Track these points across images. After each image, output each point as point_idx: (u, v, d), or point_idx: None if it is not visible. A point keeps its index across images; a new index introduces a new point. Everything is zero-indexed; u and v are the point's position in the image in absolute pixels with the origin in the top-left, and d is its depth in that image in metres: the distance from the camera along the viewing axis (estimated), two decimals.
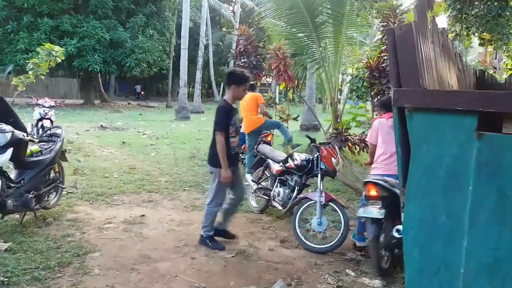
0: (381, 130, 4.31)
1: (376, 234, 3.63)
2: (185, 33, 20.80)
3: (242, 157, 7.31)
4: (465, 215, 1.46)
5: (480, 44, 10.56)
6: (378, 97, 7.64)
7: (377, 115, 8.11)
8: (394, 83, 1.64)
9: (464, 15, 8.03)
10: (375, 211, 3.59)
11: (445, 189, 1.52)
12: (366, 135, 8.44)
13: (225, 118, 4.21)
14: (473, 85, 3.66)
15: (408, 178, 1.61)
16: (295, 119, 9.90)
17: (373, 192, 3.68)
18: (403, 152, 1.63)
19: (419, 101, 1.52)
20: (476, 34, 9.18)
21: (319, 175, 4.69)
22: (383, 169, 4.12)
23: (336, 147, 4.93)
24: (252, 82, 7.56)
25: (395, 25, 7.03)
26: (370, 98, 8.10)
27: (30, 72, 9.18)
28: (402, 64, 1.60)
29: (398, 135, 1.65)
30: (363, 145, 8.22)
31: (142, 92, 38.01)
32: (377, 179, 3.74)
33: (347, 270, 3.88)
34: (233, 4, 41.50)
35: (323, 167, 4.71)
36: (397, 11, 7.48)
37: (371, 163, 4.52)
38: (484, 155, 1.42)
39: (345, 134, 8.48)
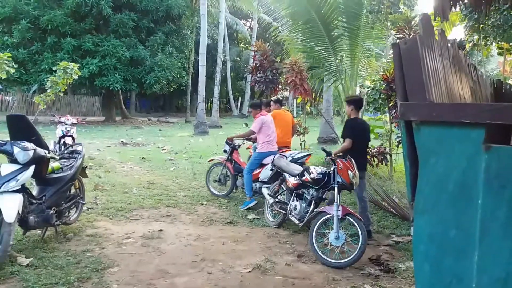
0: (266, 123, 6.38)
1: None
2: (203, 50, 21.13)
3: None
4: (475, 228, 1.44)
5: (499, 54, 10.39)
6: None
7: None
8: (400, 96, 1.64)
9: (481, 25, 7.95)
10: None
11: (455, 202, 1.50)
12: (385, 147, 8.42)
13: None
14: (490, 95, 3.61)
15: (416, 192, 1.60)
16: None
17: None
18: (411, 166, 1.62)
19: (425, 114, 1.52)
20: (494, 44, 9.06)
21: (335, 188, 4.67)
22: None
23: (353, 160, 4.89)
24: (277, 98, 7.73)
25: (409, 36, 7.00)
26: (388, 110, 8.03)
27: (49, 90, 9.48)
28: (408, 77, 1.60)
29: (406, 149, 1.64)
30: (382, 157, 8.12)
31: None
32: None
33: (365, 285, 3.82)
34: (250, 20, 42.04)
35: (339, 180, 4.69)
36: (412, 22, 7.45)
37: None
38: (493, 168, 1.40)
39: None
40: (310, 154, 6.63)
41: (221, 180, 7.28)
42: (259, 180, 6.53)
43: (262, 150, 6.47)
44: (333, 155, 4.96)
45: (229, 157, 7.15)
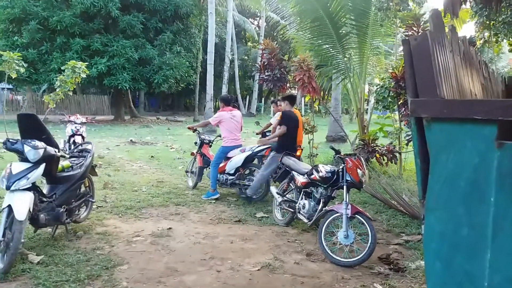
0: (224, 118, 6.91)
1: None
2: (211, 48, 21.16)
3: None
4: (488, 226, 1.42)
5: (510, 51, 10.26)
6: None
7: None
8: (411, 93, 1.62)
9: (492, 22, 7.85)
10: None
11: (466, 200, 1.48)
12: (394, 146, 8.37)
13: None
14: (501, 92, 3.56)
15: (427, 189, 1.58)
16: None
17: None
18: (422, 163, 1.61)
19: (436, 111, 1.50)
20: (505, 41, 8.94)
21: (345, 187, 4.64)
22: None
23: (362, 158, 4.86)
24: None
25: (418, 34, 6.93)
26: (397, 108, 7.97)
27: (58, 90, 9.56)
28: (418, 74, 1.58)
29: (417, 146, 1.62)
30: (391, 156, 8.07)
31: None
32: None
33: (375, 284, 3.80)
34: (258, 18, 42.02)
35: (348, 178, 4.66)
36: (421, 20, 7.38)
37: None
38: (506, 165, 1.38)
39: (372, 145, 8.36)
40: (269, 147, 6.88)
41: (194, 172, 7.65)
42: (225, 172, 6.96)
43: (227, 145, 6.96)
44: (266, 140, 6.43)
45: (199, 150, 7.56)
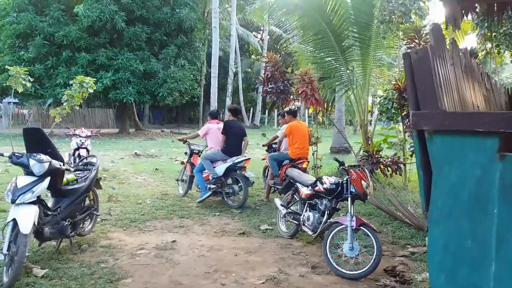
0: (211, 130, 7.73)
1: None
2: (215, 62, 21.34)
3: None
4: (491, 239, 1.42)
5: None
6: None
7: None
8: (412, 106, 1.64)
9: (493, 33, 7.88)
10: None
11: (470, 212, 1.48)
12: (399, 157, 8.35)
13: None
14: (504, 103, 3.56)
15: (431, 202, 1.58)
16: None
17: None
18: (424, 175, 1.61)
19: (438, 124, 1.51)
20: (507, 52, 8.96)
21: (349, 198, 4.63)
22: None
23: (366, 170, 4.85)
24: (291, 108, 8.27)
25: (420, 46, 6.97)
26: (401, 119, 7.97)
27: (65, 104, 9.65)
28: (419, 87, 1.60)
29: (419, 158, 1.63)
30: (396, 167, 8.05)
31: None
32: None
33: None
34: (261, 32, 42.34)
35: (353, 190, 4.65)
36: (421, 32, 7.43)
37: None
38: (508, 177, 1.38)
39: (376, 156, 8.35)
40: (249, 159, 7.40)
41: (185, 180, 8.12)
42: (209, 180, 7.39)
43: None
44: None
45: (189, 160, 8.02)
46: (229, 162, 7.19)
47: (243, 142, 7.63)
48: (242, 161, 7.23)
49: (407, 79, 1.67)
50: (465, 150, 1.49)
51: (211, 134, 7.73)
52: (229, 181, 7.37)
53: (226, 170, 7.17)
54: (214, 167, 7.32)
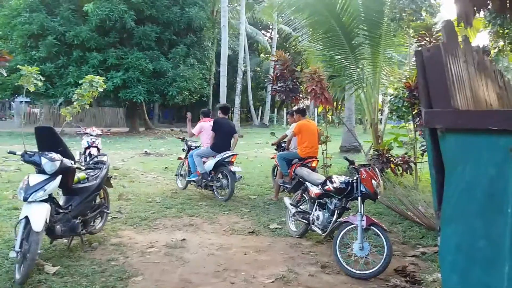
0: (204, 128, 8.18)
1: None
2: (224, 61, 21.37)
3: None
4: (505, 238, 1.39)
5: None
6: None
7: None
8: (424, 104, 1.61)
9: (506, 31, 7.77)
10: None
11: (483, 211, 1.46)
12: (409, 156, 8.28)
13: None
14: None
15: (443, 201, 1.56)
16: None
17: None
18: (437, 174, 1.59)
19: (450, 122, 1.49)
20: None
21: (359, 198, 4.60)
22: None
23: (377, 169, 4.81)
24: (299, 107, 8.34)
25: (431, 44, 6.89)
26: (411, 118, 7.91)
27: (75, 103, 9.74)
28: (432, 85, 1.58)
29: (432, 157, 1.61)
30: (406, 166, 7.98)
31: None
32: None
33: None
34: (270, 30, 42.31)
35: (363, 189, 4.61)
36: (432, 29, 7.35)
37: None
38: None
39: (386, 155, 8.29)
40: (236, 154, 7.93)
41: (183, 175, 8.59)
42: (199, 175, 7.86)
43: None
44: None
45: (186, 155, 8.47)
46: (218, 158, 7.62)
47: (233, 139, 8.07)
48: (229, 156, 7.69)
49: (419, 76, 1.64)
50: (479, 149, 1.47)
51: (204, 132, 8.22)
52: (220, 176, 7.74)
53: (214, 165, 7.58)
54: (204, 163, 7.79)
